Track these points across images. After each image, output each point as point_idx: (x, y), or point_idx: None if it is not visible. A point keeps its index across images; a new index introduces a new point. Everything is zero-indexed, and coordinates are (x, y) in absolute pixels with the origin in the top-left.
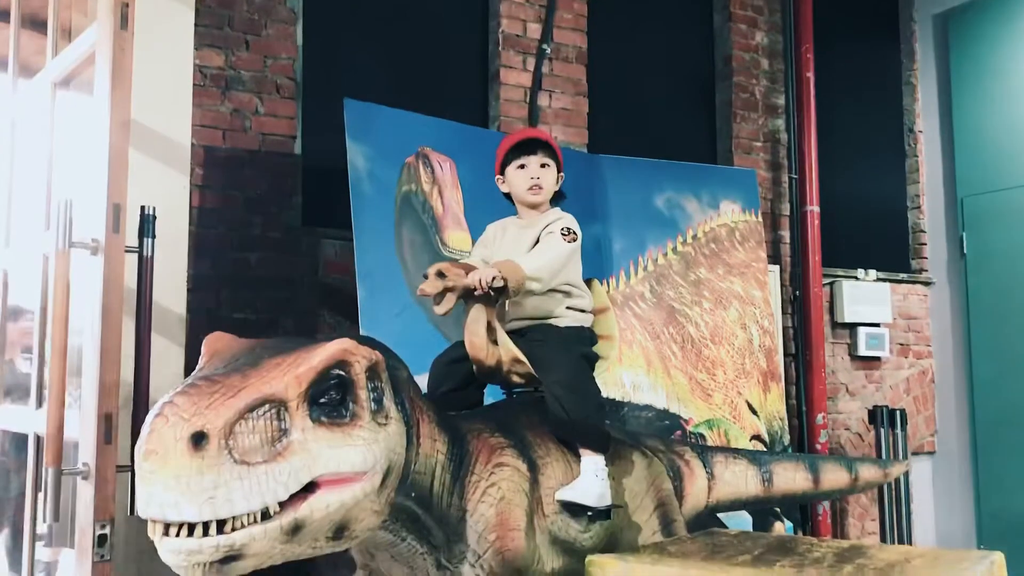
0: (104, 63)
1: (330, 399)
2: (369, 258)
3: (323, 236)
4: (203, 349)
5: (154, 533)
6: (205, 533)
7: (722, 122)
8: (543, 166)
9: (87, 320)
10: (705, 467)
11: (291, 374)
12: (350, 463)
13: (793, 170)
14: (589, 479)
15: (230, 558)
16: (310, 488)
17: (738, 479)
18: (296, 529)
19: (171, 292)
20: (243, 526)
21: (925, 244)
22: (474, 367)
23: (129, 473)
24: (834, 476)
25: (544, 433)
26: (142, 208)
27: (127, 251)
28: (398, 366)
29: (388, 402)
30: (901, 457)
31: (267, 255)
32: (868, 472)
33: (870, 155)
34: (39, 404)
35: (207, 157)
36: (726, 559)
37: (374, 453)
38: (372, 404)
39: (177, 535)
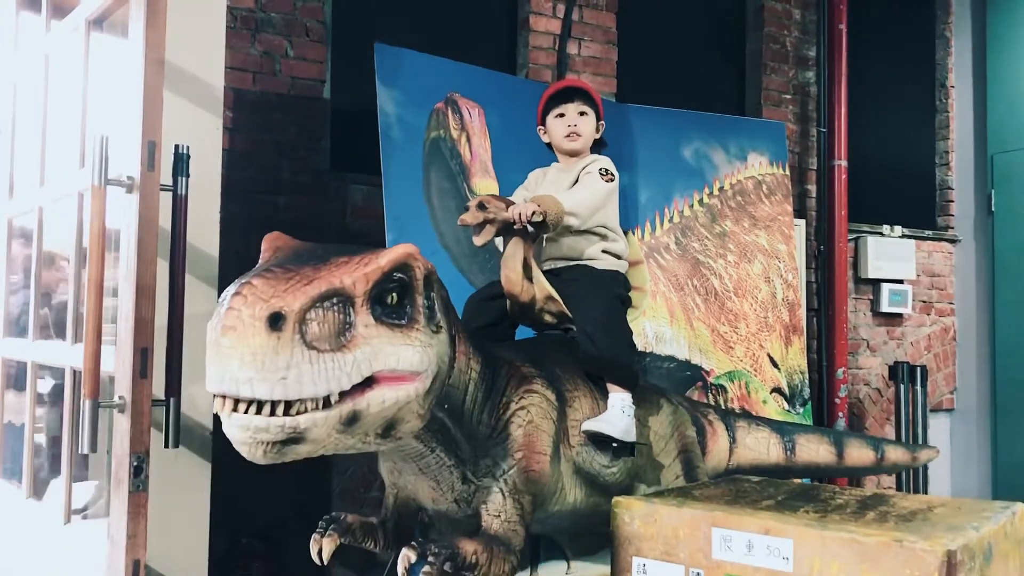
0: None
1: (391, 300)
2: (398, 203)
3: (351, 181)
4: (264, 245)
5: (222, 409)
6: (272, 412)
7: (752, 73)
8: (581, 114)
9: (123, 257)
10: (728, 430)
11: (360, 271)
12: (408, 362)
13: (822, 123)
14: (616, 413)
15: (291, 440)
16: (368, 383)
17: (760, 445)
18: (353, 420)
19: (204, 234)
20: (307, 410)
21: (952, 201)
22: (508, 303)
23: (164, 407)
24: (858, 453)
25: (573, 370)
26: (176, 146)
27: (162, 189)
28: (442, 285)
29: (439, 312)
30: (920, 415)
31: (295, 199)
32: (895, 454)
33: (900, 110)
34: (76, 339)
35: (237, 100)
36: (750, 503)
37: (428, 356)
38: (426, 311)
39: (246, 412)
